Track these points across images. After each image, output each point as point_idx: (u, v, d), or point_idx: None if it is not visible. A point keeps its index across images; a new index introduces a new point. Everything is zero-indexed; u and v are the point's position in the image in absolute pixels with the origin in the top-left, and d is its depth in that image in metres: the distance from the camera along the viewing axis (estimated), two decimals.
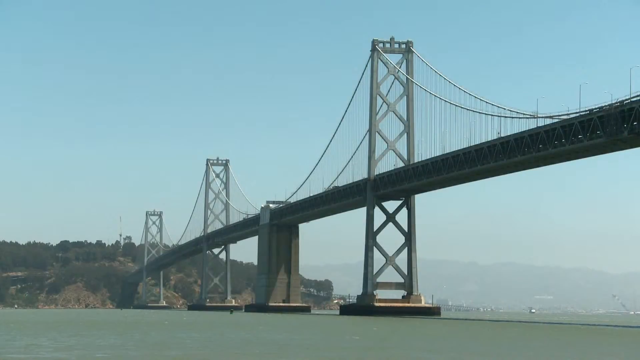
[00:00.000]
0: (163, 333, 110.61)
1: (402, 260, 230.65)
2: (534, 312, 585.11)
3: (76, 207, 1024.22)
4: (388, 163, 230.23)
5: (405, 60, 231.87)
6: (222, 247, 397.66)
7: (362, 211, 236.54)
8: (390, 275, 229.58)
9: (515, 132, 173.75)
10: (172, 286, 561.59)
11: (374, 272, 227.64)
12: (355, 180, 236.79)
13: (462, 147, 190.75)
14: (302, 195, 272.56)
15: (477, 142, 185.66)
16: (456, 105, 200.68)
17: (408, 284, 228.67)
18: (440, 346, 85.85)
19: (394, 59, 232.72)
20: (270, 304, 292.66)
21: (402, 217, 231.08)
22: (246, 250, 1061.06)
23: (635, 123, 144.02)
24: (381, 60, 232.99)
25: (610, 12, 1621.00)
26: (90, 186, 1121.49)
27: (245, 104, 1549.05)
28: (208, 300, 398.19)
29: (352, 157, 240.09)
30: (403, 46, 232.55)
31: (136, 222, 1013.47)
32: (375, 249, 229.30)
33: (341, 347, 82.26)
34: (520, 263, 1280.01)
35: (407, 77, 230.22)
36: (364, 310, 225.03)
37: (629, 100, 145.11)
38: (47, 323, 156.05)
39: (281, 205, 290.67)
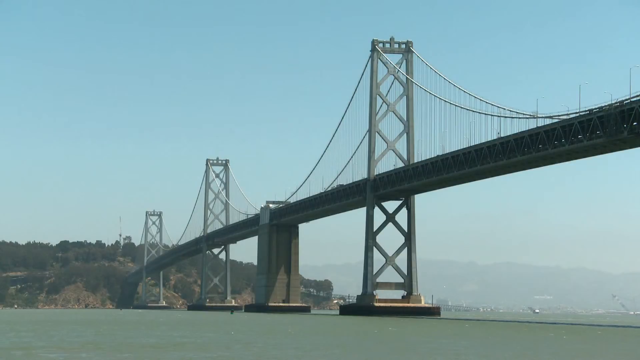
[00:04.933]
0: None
1: (402, 260, 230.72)
2: (537, 313, 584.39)
3: (76, 207, 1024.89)
4: (388, 163, 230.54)
5: (405, 61, 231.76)
6: (222, 247, 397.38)
7: (362, 211, 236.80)
8: (390, 275, 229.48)
9: (515, 132, 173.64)
10: (171, 286, 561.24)
11: (374, 272, 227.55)
12: (355, 180, 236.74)
13: (461, 147, 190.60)
14: (302, 195, 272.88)
15: (477, 142, 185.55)
16: (456, 105, 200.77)
17: (408, 284, 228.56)
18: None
19: (393, 59, 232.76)
20: (270, 304, 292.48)
21: (402, 217, 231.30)
22: (246, 250, 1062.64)
23: (635, 123, 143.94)
24: (381, 61, 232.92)
25: (610, 12, 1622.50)
26: (90, 186, 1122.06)
27: (245, 104, 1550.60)
28: (208, 300, 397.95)
29: (352, 157, 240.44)
30: (403, 46, 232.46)
31: (136, 222, 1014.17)
32: (375, 249, 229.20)
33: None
34: (520, 263, 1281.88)
35: (406, 77, 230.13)
36: (363, 310, 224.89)
37: (629, 100, 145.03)
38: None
39: (281, 205, 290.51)
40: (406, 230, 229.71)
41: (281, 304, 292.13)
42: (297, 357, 70.94)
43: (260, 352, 75.58)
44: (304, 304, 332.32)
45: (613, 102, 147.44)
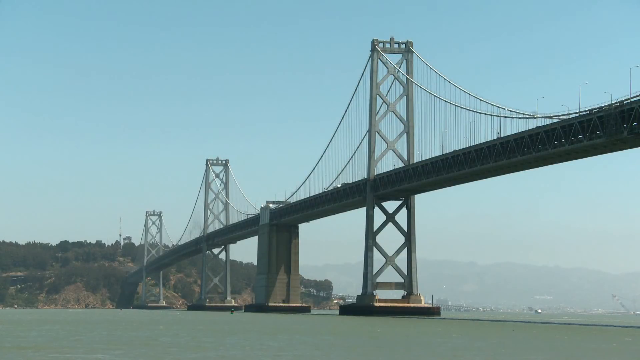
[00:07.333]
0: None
1: (401, 260, 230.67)
2: (539, 313, 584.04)
3: (76, 207, 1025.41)
4: (388, 163, 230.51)
5: (405, 61, 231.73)
6: (222, 247, 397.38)
7: (362, 211, 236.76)
8: (390, 275, 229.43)
9: (515, 132, 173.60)
10: (171, 286, 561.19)
11: (374, 272, 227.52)
12: (355, 180, 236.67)
13: (461, 147, 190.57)
14: (302, 195, 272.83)
15: (477, 142, 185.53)
16: (456, 105, 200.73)
17: (408, 284, 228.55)
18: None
19: (393, 59, 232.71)
20: (270, 304, 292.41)
21: (401, 217, 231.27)
22: (246, 250, 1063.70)
23: (635, 123, 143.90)
24: (381, 61, 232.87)
25: (610, 12, 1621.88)
26: (90, 186, 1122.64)
27: (245, 104, 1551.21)
28: (208, 300, 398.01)
29: (352, 157, 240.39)
30: (403, 46, 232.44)
31: (136, 222, 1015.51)
32: (375, 249, 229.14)
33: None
34: (520, 263, 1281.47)
35: (406, 77, 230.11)
36: (363, 310, 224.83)
37: (629, 100, 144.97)
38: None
39: (281, 205, 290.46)
40: (406, 230, 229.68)
41: (281, 304, 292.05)
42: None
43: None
44: (304, 304, 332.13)
45: (613, 102, 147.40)
